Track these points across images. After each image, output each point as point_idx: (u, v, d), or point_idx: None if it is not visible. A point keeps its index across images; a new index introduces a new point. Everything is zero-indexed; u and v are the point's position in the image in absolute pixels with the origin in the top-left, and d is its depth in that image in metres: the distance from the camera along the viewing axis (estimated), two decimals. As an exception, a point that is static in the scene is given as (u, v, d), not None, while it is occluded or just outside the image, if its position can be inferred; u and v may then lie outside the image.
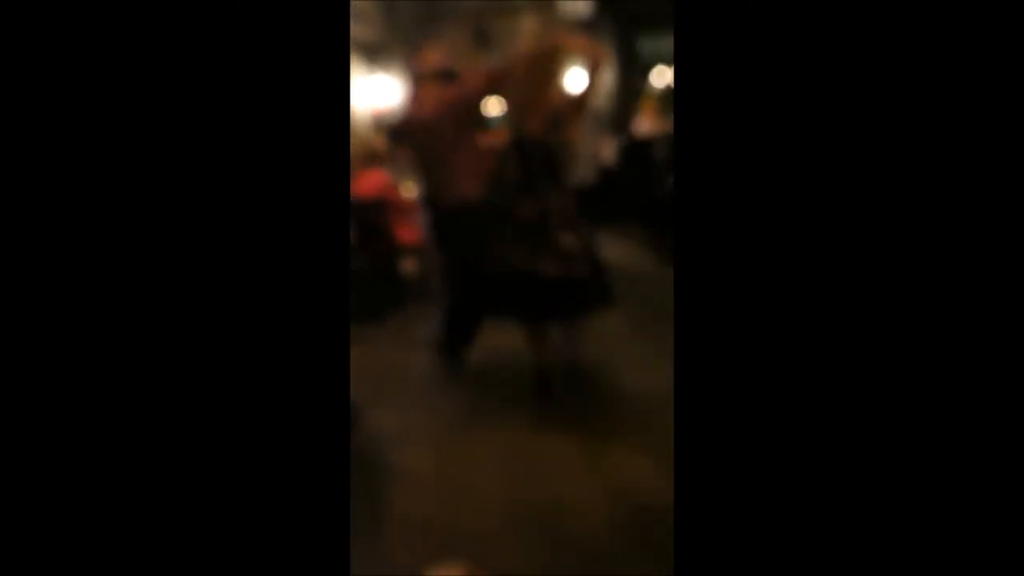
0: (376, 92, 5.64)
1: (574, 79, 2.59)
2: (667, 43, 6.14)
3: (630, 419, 2.20)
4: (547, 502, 1.75)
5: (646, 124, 5.22)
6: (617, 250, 4.20)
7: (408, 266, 4.01)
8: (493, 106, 2.85)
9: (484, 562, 1.44)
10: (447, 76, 2.55)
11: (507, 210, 2.32)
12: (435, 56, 2.66)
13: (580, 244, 2.32)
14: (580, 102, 2.41)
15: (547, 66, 2.32)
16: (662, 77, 6.04)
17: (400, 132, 2.82)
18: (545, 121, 2.30)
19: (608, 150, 5.97)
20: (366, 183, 3.73)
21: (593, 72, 2.36)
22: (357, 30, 5.16)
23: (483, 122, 2.64)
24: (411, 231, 3.98)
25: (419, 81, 2.65)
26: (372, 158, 3.90)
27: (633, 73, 6.61)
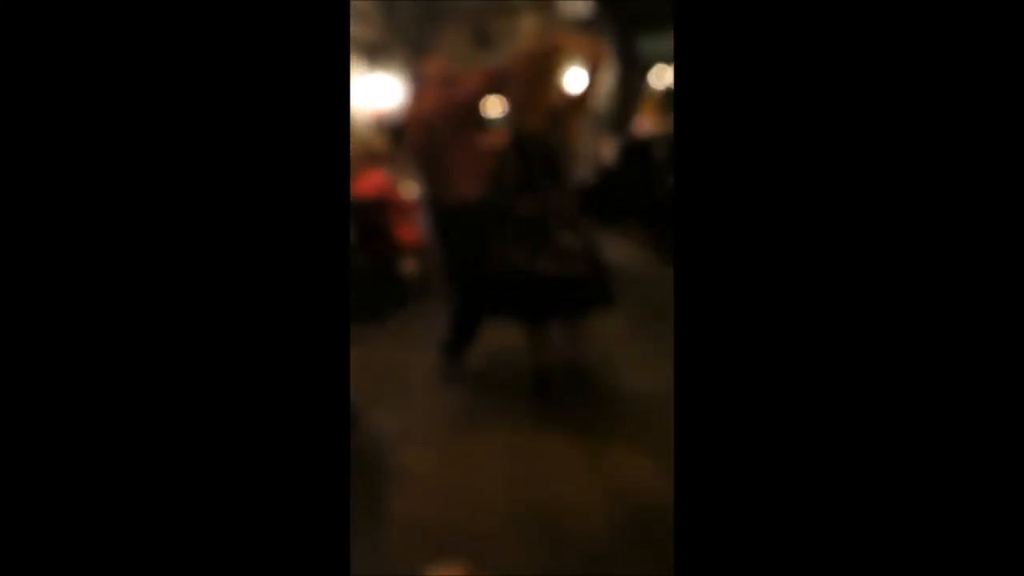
0: (376, 92, 5.64)
1: (574, 79, 2.59)
2: (667, 43, 6.13)
3: (630, 419, 2.20)
4: (547, 502, 1.75)
5: (646, 124, 5.22)
6: (617, 250, 4.20)
7: (408, 266, 4.01)
8: (493, 106, 2.86)
9: (484, 562, 1.44)
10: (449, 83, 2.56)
11: (507, 210, 2.32)
12: (439, 65, 2.68)
13: (580, 244, 2.32)
14: (580, 101, 2.41)
15: (546, 65, 2.32)
16: (661, 77, 6.04)
17: (401, 132, 2.83)
18: (545, 120, 2.30)
19: (608, 150, 5.97)
20: (366, 183, 3.73)
21: (593, 71, 2.36)
22: (357, 30, 5.16)
23: (483, 122, 2.64)
24: (411, 231, 3.98)
25: (420, 83, 2.66)
26: (372, 158, 3.90)
27: (633, 73, 6.61)
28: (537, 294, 2.29)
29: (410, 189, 4.06)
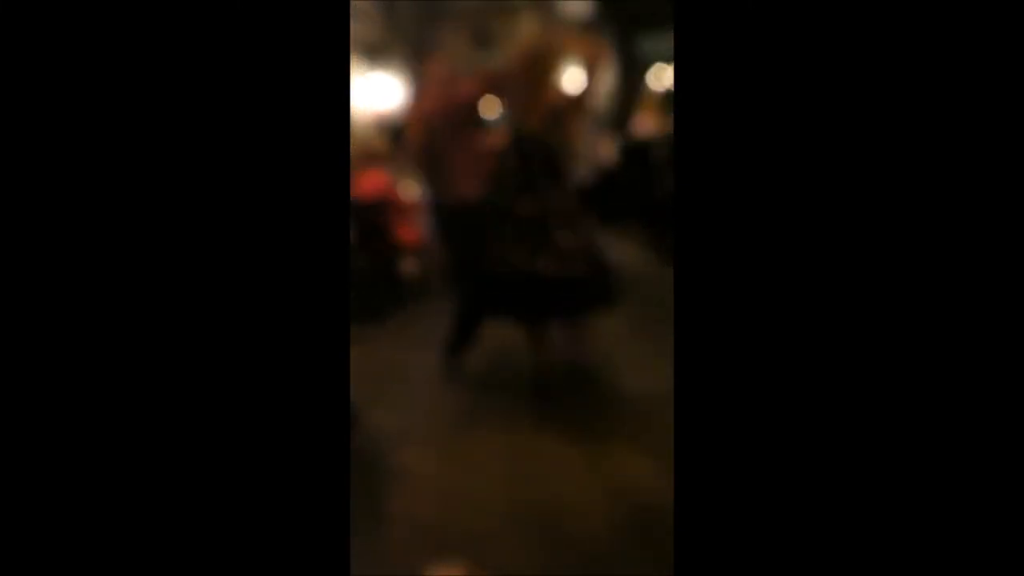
0: (376, 92, 5.64)
1: (573, 78, 2.59)
2: (667, 43, 6.13)
3: (630, 419, 2.20)
4: (547, 502, 1.75)
5: (646, 124, 5.22)
6: (617, 250, 4.20)
7: (408, 266, 4.01)
8: (492, 106, 2.86)
9: (484, 562, 1.44)
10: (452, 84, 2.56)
11: (507, 210, 2.32)
12: (441, 65, 2.68)
13: (580, 244, 2.32)
14: (579, 101, 2.41)
15: (544, 66, 2.32)
16: (660, 76, 6.04)
17: (401, 132, 2.84)
18: (544, 121, 2.30)
19: (608, 150, 5.97)
20: (366, 183, 3.73)
21: (592, 71, 2.36)
22: (357, 30, 5.16)
23: (483, 122, 2.64)
24: (411, 231, 3.98)
25: (421, 83, 2.67)
26: (372, 158, 3.90)
27: (633, 73, 6.61)
28: (537, 294, 2.29)
29: (410, 189, 4.06)
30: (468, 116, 2.53)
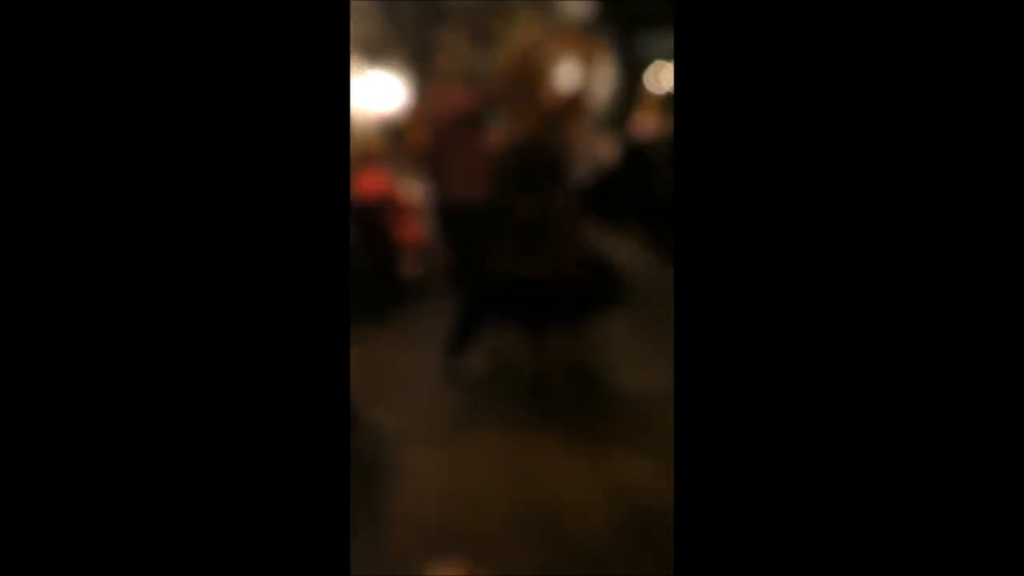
0: (376, 92, 5.64)
1: (570, 79, 2.59)
2: (667, 42, 6.12)
3: (630, 419, 2.20)
4: (547, 502, 1.75)
5: (646, 123, 5.22)
6: (617, 250, 4.20)
7: (408, 266, 4.01)
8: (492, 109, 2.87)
9: (484, 562, 1.44)
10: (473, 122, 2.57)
11: (507, 211, 2.32)
12: (443, 67, 2.69)
13: (581, 245, 2.32)
14: (577, 102, 2.41)
15: (538, 67, 2.32)
16: (659, 73, 6.04)
17: (401, 132, 2.85)
18: (542, 121, 2.30)
19: (608, 150, 5.96)
20: (366, 183, 3.73)
21: (589, 71, 2.36)
22: (357, 30, 5.16)
23: (483, 125, 2.65)
24: (411, 231, 3.98)
25: (423, 84, 2.69)
26: (372, 158, 3.90)
27: (633, 73, 6.60)
28: (537, 294, 2.29)
29: (410, 189, 4.06)
30: (468, 122, 2.54)
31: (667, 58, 5.98)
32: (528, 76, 2.33)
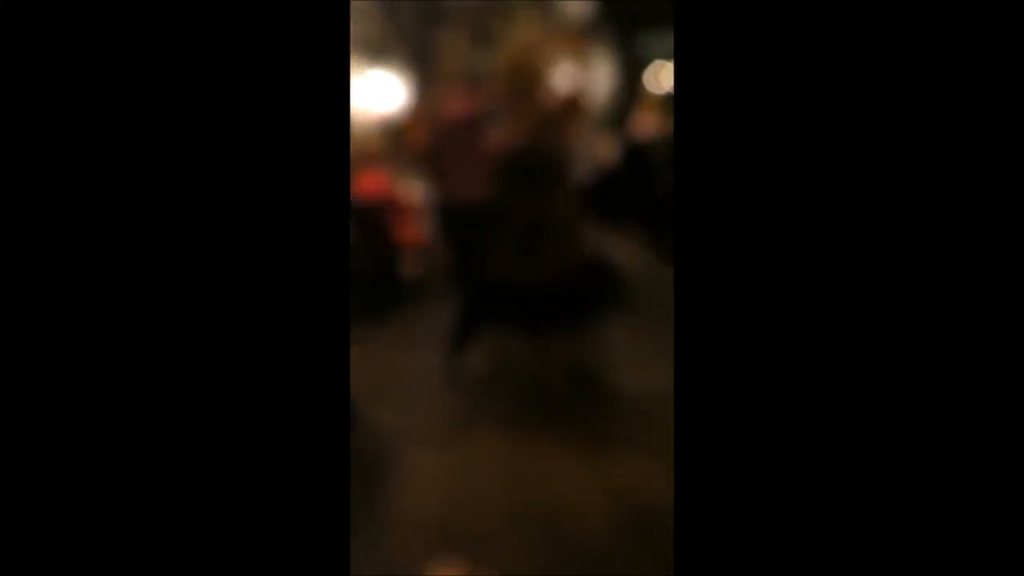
0: (376, 92, 5.64)
1: (570, 78, 2.59)
2: (667, 42, 6.12)
3: (630, 419, 2.20)
4: (547, 502, 1.75)
5: (645, 123, 5.22)
6: (617, 250, 4.20)
7: (408, 266, 4.01)
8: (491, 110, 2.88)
9: (484, 562, 1.44)
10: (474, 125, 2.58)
11: (507, 210, 2.32)
12: (445, 68, 2.70)
13: (580, 244, 2.32)
14: (576, 101, 2.41)
15: (533, 69, 2.33)
16: (659, 72, 6.04)
17: (401, 133, 2.85)
18: (542, 121, 2.30)
19: (608, 150, 5.96)
20: (366, 183, 3.73)
21: (588, 71, 2.37)
22: (357, 30, 5.16)
23: (483, 127, 2.65)
24: (411, 231, 3.98)
25: (425, 85, 2.70)
26: (372, 158, 3.90)
27: (633, 73, 6.60)
28: (537, 296, 2.29)
29: (410, 189, 4.06)
30: (467, 125, 2.56)
31: (667, 58, 5.98)
32: (528, 76, 2.33)
